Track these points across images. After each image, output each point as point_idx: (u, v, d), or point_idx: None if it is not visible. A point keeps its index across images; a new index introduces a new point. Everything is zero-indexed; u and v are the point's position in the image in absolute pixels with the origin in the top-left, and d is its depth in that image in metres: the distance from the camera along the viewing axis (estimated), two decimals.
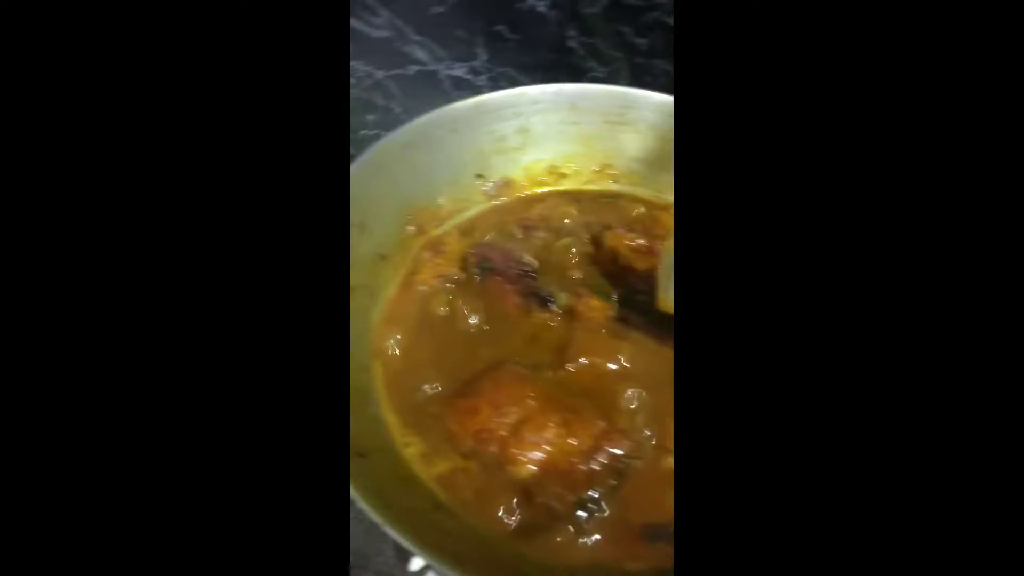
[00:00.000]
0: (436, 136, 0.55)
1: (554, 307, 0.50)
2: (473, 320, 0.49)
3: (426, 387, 0.46)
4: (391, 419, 0.45)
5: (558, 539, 0.38)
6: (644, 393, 0.43)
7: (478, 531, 0.39)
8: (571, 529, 0.38)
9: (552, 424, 0.40)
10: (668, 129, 0.56)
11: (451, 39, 0.67)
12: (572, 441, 0.40)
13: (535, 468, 0.40)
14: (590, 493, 0.39)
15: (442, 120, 0.55)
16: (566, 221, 0.56)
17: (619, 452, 0.40)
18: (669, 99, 0.57)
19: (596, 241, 0.55)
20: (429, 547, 0.33)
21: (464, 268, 0.54)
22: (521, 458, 0.40)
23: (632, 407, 0.43)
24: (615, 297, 0.50)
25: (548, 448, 0.40)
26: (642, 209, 0.59)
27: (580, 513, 0.38)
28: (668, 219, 0.58)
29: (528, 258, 0.54)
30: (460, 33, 0.66)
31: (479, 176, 0.59)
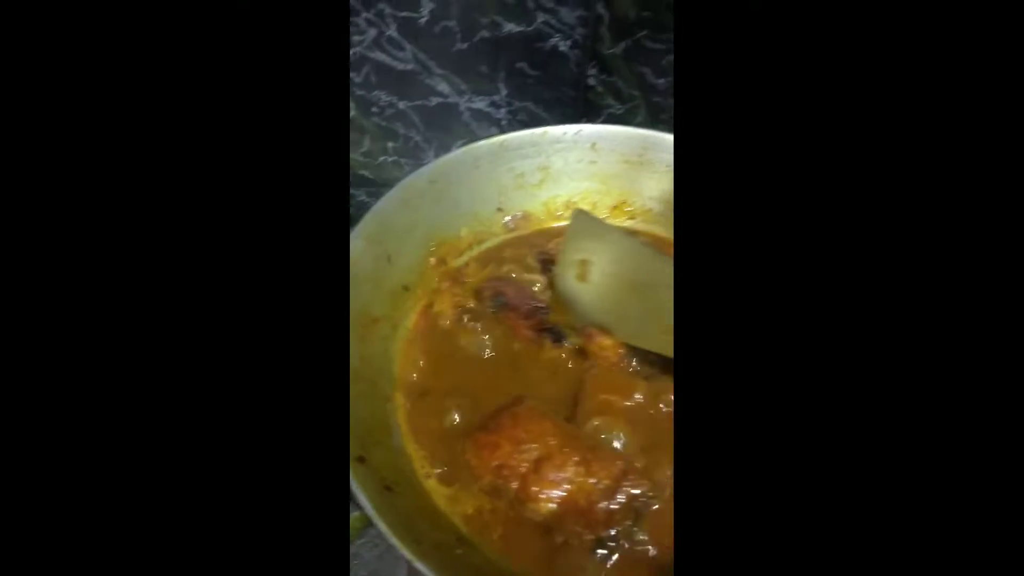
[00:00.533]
0: (460, 172, 0.57)
1: (567, 343, 0.51)
2: (489, 354, 0.51)
3: (446, 419, 0.47)
4: (412, 450, 0.46)
5: None
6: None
7: (502, 567, 0.40)
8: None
9: (572, 463, 0.42)
10: None
11: (473, 74, 0.68)
12: (592, 480, 0.41)
13: (555, 506, 0.41)
14: (609, 532, 0.40)
15: (466, 157, 0.57)
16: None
17: (637, 492, 0.41)
18: None
19: None
20: None
21: (479, 299, 0.55)
22: (542, 496, 0.41)
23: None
24: None
25: (568, 486, 0.41)
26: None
27: (599, 551, 0.39)
28: None
29: (542, 293, 0.55)
30: (482, 69, 0.68)
31: (499, 209, 0.61)
